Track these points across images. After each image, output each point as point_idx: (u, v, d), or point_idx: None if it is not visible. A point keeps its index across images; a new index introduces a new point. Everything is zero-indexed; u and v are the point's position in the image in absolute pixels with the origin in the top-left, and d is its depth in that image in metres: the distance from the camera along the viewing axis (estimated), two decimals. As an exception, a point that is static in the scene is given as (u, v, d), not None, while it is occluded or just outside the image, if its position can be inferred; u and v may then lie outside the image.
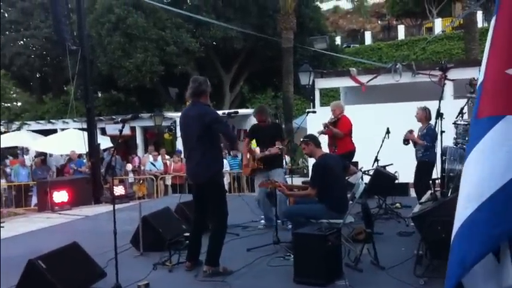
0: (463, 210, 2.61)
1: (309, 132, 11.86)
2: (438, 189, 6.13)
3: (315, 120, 9.65)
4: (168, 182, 14.60)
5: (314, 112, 9.14)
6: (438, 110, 6.35)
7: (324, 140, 8.13)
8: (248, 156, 7.27)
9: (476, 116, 2.71)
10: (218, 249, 5.13)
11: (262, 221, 7.56)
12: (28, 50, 28.50)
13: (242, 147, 7.65)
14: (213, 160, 5.13)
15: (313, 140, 5.97)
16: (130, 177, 15.44)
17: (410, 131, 7.76)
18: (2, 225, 8.82)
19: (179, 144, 16.14)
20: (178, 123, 5.57)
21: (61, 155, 18.88)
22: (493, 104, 2.63)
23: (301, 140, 6.12)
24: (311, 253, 4.76)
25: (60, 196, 10.50)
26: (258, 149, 7.20)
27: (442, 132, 6.30)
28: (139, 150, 20.03)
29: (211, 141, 5.13)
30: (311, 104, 16.16)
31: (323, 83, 15.90)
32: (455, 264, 2.58)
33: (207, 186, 5.15)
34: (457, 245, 2.62)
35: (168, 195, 13.81)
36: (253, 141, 7.59)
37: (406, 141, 7.76)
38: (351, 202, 5.85)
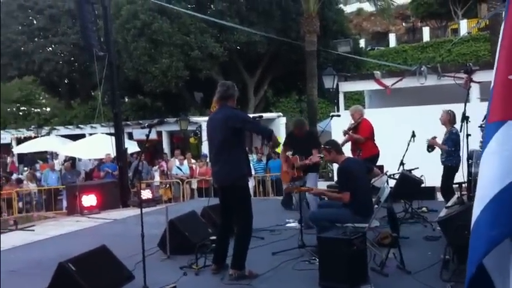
0: (475, 210, 2.74)
1: (333, 135, 11.89)
2: (465, 193, 6.07)
3: (340, 124, 9.67)
4: (194, 185, 14.74)
5: (338, 116, 9.16)
6: (464, 113, 6.31)
7: (347, 145, 8.17)
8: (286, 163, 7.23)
9: (487, 120, 2.79)
10: (243, 252, 5.16)
11: (294, 224, 7.57)
12: (56, 56, 29.09)
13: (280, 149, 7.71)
14: (237, 163, 5.12)
15: (334, 146, 5.98)
16: (157, 181, 15.62)
17: (433, 138, 7.72)
18: (33, 228, 9.08)
19: (205, 148, 16.29)
20: (204, 127, 5.65)
21: (89, 160, 19.23)
22: (499, 109, 2.74)
23: (323, 146, 6.13)
24: (336, 257, 4.75)
25: (89, 200, 10.68)
26: (297, 158, 7.07)
27: (468, 135, 6.26)
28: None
29: (237, 144, 5.15)
30: (335, 107, 16.16)
31: (347, 86, 15.88)
32: (468, 263, 2.70)
33: (230, 189, 5.17)
34: (470, 244, 2.74)
35: (194, 198, 13.94)
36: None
37: (430, 148, 7.73)
38: (376, 206, 5.84)
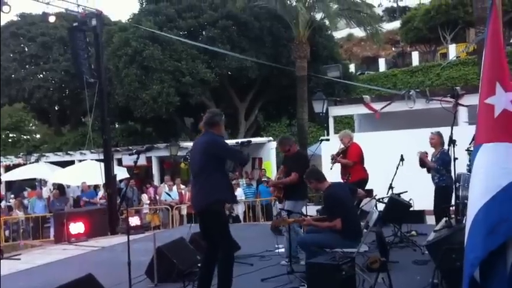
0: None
1: (323, 159, 11.92)
2: (453, 216, 6.06)
3: (329, 148, 9.71)
4: (184, 211, 14.63)
5: (327, 140, 9.21)
6: (451, 137, 6.35)
7: (337, 168, 8.18)
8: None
9: (474, 144, 2.86)
10: (229, 279, 5.06)
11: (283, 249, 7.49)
12: (47, 83, 29.08)
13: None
14: (212, 189, 5.08)
15: (312, 176, 5.94)
16: (146, 208, 15.47)
17: (425, 152, 7.75)
18: (19, 257, 8.94)
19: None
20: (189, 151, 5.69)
21: (77, 186, 19.10)
22: (477, 133, 2.82)
23: (304, 178, 6.13)
24: (325, 283, 4.73)
25: (77, 227, 10.57)
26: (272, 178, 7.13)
27: (455, 159, 6.28)
28: (156, 180, 20.15)
29: (215, 169, 5.11)
30: (325, 131, 16.22)
31: (337, 111, 15.98)
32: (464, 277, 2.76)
33: (206, 214, 5.15)
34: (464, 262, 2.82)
35: (184, 225, 13.82)
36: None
37: (422, 163, 7.75)
38: (365, 230, 5.82)
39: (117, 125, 27.20)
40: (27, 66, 29.67)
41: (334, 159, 8.11)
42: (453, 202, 6.68)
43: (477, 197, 2.68)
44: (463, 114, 12.63)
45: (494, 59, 2.82)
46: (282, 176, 7.19)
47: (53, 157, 25.14)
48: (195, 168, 5.25)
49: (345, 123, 23.01)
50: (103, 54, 13.94)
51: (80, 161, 21.54)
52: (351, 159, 8.04)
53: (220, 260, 5.12)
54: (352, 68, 32.29)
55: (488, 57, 2.83)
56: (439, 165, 7.48)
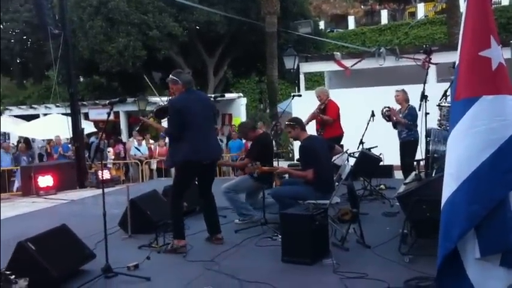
0: (447, 188, 2.78)
1: (294, 115, 11.93)
2: (422, 170, 6.22)
3: (300, 104, 9.72)
4: (154, 166, 14.59)
5: (299, 96, 9.22)
6: (423, 92, 6.45)
7: (312, 124, 8.24)
8: None
9: (454, 98, 2.82)
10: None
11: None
12: (8, 35, 28.01)
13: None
14: None
15: (299, 124, 6.01)
16: (110, 162, 15.17)
17: (390, 108, 7.87)
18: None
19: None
20: (180, 106, 5.32)
21: (43, 140, 18.73)
22: (469, 86, 2.77)
23: (287, 123, 6.15)
24: (298, 233, 4.83)
25: (45, 181, 10.48)
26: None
27: (426, 114, 6.40)
28: (124, 136, 19.92)
29: None
30: (296, 88, 16.23)
31: (308, 67, 15.94)
32: (442, 239, 2.74)
33: (214, 163, 5.69)
34: (443, 221, 2.78)
35: (154, 179, 13.80)
36: None
37: (387, 117, 7.86)
38: (337, 183, 5.93)
39: (81, 79, 26.53)
40: (-15, 16, 28.42)
41: (318, 115, 8.12)
42: (422, 156, 6.86)
43: (475, 151, 2.64)
44: (431, 71, 12.80)
45: (485, 12, 2.81)
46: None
47: (16, 110, 24.42)
48: (207, 121, 5.45)
49: (314, 81, 23.03)
50: (67, 5, 13.49)
51: (45, 114, 21.06)
52: (331, 116, 8.10)
53: (213, 201, 5.70)
54: (321, 25, 32.08)
55: (478, 11, 2.81)
56: (409, 120, 7.63)
